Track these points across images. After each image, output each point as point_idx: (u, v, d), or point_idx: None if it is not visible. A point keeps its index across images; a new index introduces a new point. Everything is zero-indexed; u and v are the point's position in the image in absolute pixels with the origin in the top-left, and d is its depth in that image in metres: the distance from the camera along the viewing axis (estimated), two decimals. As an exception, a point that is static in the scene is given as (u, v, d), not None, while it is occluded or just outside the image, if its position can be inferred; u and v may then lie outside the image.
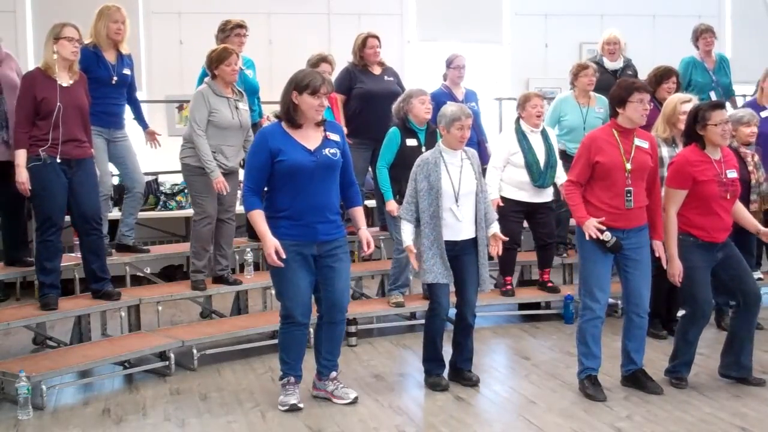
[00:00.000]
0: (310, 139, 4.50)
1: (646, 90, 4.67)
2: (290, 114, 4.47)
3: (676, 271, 4.72)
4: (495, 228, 4.96)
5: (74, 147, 5.36)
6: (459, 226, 4.84)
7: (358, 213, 4.76)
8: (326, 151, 4.50)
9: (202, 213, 5.89)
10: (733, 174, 4.77)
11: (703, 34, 7.52)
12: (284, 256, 4.39)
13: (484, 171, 5.42)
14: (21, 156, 5.26)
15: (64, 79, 5.31)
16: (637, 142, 4.66)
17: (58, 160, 5.28)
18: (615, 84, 4.90)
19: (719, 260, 4.78)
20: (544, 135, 6.46)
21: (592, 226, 4.57)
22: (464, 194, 4.83)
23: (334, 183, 4.57)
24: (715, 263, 4.78)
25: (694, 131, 4.77)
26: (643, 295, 4.72)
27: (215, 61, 5.75)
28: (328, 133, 4.56)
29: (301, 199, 4.45)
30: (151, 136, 6.48)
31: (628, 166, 4.59)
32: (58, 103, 5.22)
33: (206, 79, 5.87)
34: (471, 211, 4.86)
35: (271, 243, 4.39)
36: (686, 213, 4.72)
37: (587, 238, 4.61)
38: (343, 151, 4.60)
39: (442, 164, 4.83)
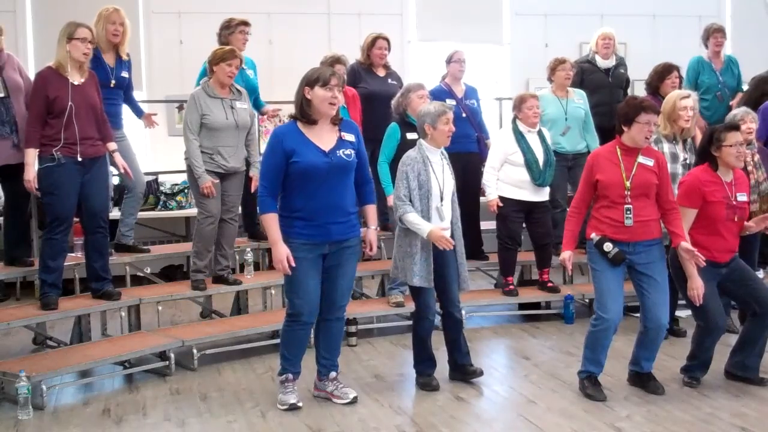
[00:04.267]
0: (324, 139, 4.49)
1: (654, 111, 4.62)
2: (304, 110, 4.47)
3: (695, 285, 4.68)
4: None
5: (89, 146, 5.37)
6: (441, 226, 4.82)
7: (371, 211, 4.76)
8: (340, 152, 4.49)
9: (205, 213, 5.88)
10: (743, 197, 4.78)
11: (714, 34, 7.53)
12: (293, 265, 4.41)
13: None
14: (30, 154, 5.26)
15: (76, 78, 5.32)
16: (641, 159, 4.63)
17: (79, 159, 5.29)
18: (623, 100, 4.83)
19: (724, 274, 4.80)
20: (541, 135, 6.49)
21: (565, 259, 4.70)
22: (447, 194, 4.86)
23: (348, 183, 4.56)
24: (721, 277, 4.80)
25: (708, 152, 4.78)
26: (660, 312, 4.66)
27: (219, 58, 5.73)
28: (343, 133, 4.56)
29: (315, 200, 4.44)
30: (147, 119, 6.44)
31: (628, 184, 4.58)
32: (70, 102, 5.23)
33: (202, 81, 5.85)
34: (450, 210, 4.90)
35: (283, 251, 4.40)
36: (691, 232, 4.73)
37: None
38: (358, 150, 4.59)
39: (429, 164, 4.83)
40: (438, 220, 4.81)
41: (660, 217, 4.68)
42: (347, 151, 4.51)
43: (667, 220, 4.66)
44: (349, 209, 4.56)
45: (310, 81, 4.45)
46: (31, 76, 5.78)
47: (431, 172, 4.81)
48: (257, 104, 6.74)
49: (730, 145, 4.70)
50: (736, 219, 4.76)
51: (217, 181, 5.82)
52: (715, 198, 4.71)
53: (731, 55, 7.88)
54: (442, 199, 4.82)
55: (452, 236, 4.86)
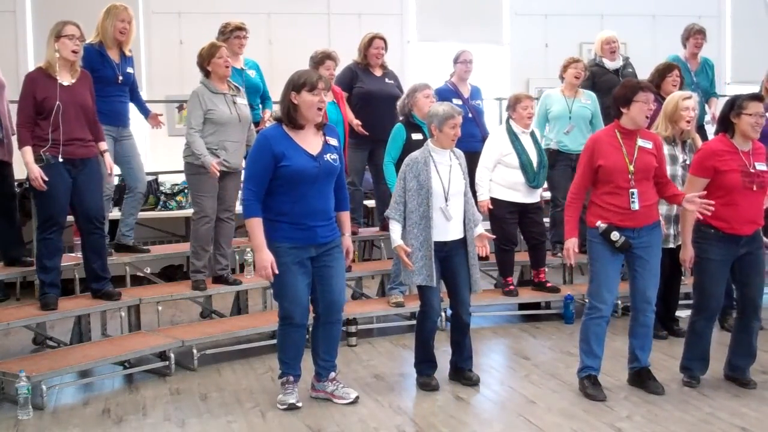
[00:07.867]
0: (311, 143, 4.49)
1: (650, 90, 4.66)
2: (291, 115, 4.45)
3: (686, 257, 4.77)
4: (480, 228, 4.95)
5: (79, 146, 5.35)
6: (448, 227, 4.81)
7: (345, 218, 4.75)
8: (328, 156, 4.49)
9: (201, 212, 5.88)
10: (762, 167, 4.70)
11: (695, 35, 7.53)
12: (277, 272, 4.41)
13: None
14: (27, 153, 5.21)
15: (66, 78, 5.30)
16: (641, 142, 4.64)
17: (61, 160, 5.27)
18: (619, 84, 4.86)
19: (741, 254, 4.74)
20: (533, 137, 6.52)
21: (569, 248, 4.68)
22: (453, 194, 4.82)
23: (331, 187, 4.57)
24: (735, 258, 4.74)
25: (727, 119, 4.75)
26: (650, 295, 4.70)
27: (207, 57, 5.76)
28: (327, 137, 4.56)
29: (301, 204, 4.44)
30: (154, 119, 6.41)
31: (631, 167, 4.58)
32: (57, 102, 5.21)
33: (201, 79, 5.86)
34: (460, 211, 4.85)
35: (267, 257, 4.40)
36: None
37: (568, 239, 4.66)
38: (339, 155, 4.61)
39: (431, 163, 4.82)
40: (443, 220, 4.79)
41: (657, 200, 4.70)
42: (333, 156, 4.52)
43: (664, 189, 4.70)
44: (330, 213, 4.58)
45: (297, 86, 4.42)
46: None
47: (433, 172, 4.79)
48: (265, 105, 6.73)
49: (750, 114, 4.65)
50: (754, 188, 4.67)
51: (217, 175, 5.80)
52: (728, 167, 4.64)
53: (708, 58, 7.82)
54: (446, 200, 4.81)
55: (465, 238, 4.86)
